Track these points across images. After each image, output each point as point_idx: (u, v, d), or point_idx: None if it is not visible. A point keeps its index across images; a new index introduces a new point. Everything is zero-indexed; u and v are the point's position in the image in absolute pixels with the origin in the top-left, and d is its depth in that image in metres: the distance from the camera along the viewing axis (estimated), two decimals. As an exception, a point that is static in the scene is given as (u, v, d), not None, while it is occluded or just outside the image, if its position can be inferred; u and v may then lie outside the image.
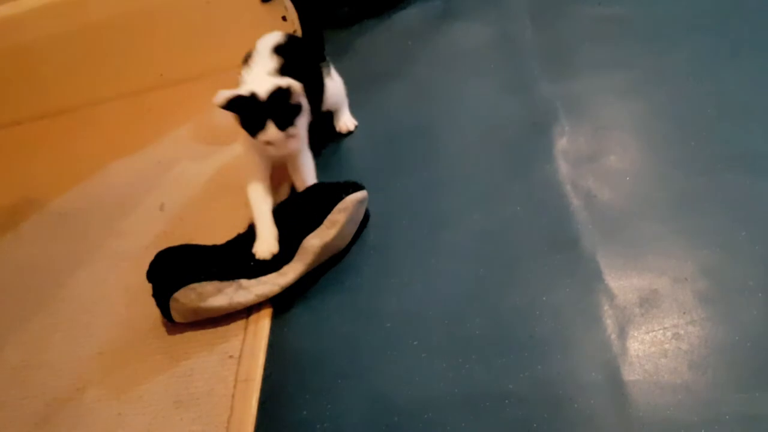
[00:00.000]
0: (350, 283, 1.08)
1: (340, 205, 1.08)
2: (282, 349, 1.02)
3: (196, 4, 1.72)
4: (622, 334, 0.88)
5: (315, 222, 1.08)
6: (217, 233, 1.14)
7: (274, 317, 1.07)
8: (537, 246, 1.03)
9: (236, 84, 1.13)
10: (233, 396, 0.97)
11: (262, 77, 1.12)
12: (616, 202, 1.06)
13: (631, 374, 0.83)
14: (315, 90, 1.24)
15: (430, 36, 1.61)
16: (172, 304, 1.06)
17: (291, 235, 1.08)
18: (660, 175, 1.08)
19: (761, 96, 1.14)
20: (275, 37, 1.22)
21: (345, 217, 1.08)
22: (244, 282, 1.06)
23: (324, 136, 1.37)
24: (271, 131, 1.06)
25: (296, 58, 1.20)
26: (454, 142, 1.28)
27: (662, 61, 1.28)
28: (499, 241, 1.06)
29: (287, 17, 1.63)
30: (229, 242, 1.12)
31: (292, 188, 1.25)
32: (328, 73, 1.32)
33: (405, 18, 1.71)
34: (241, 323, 1.07)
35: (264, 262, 1.06)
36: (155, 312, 1.10)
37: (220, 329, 1.08)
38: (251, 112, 1.06)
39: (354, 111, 1.40)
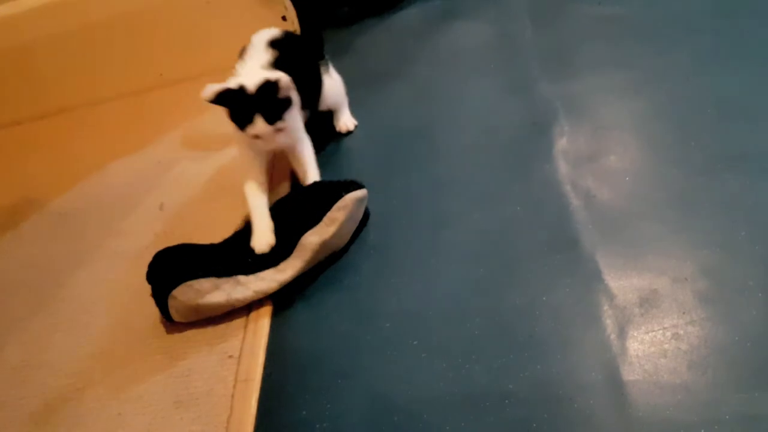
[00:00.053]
0: (350, 283, 1.08)
1: (340, 203, 1.08)
2: (282, 348, 1.02)
3: (196, 4, 1.72)
4: (622, 334, 0.88)
5: (314, 219, 1.07)
6: (217, 233, 1.14)
7: (274, 317, 1.07)
8: (537, 246, 1.03)
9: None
10: (233, 396, 0.97)
11: (254, 70, 1.11)
12: (615, 202, 1.06)
13: (630, 374, 0.83)
14: (312, 85, 1.24)
15: (430, 36, 1.61)
16: (171, 303, 1.06)
17: (290, 231, 1.07)
18: (660, 175, 1.08)
19: (761, 96, 1.14)
20: (271, 32, 1.21)
21: (344, 215, 1.08)
22: (241, 278, 1.06)
23: (324, 135, 1.37)
24: (259, 125, 1.05)
25: (291, 52, 1.19)
26: (454, 142, 1.28)
27: (662, 61, 1.28)
28: (499, 241, 1.06)
29: (287, 17, 1.63)
30: (226, 240, 1.12)
31: (292, 186, 1.25)
32: (327, 71, 1.32)
33: (405, 18, 1.71)
34: (240, 323, 1.07)
35: (262, 257, 1.06)
36: (155, 312, 1.10)
37: (220, 329, 1.08)
38: (239, 106, 1.05)
39: (354, 110, 1.40)
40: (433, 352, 0.93)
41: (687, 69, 1.24)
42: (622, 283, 0.94)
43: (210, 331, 1.08)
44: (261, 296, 1.07)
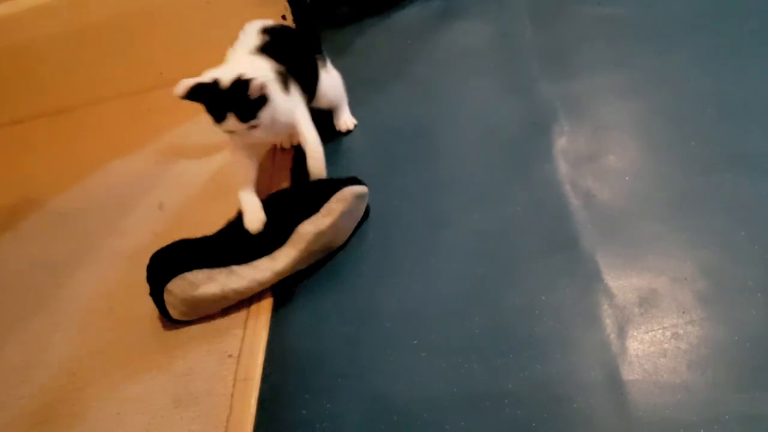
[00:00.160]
0: (350, 283, 1.08)
1: (338, 195, 1.08)
2: (281, 348, 1.02)
3: (196, 4, 1.72)
4: (622, 333, 0.88)
5: (312, 209, 1.07)
6: (217, 233, 1.14)
7: (274, 316, 1.07)
8: (536, 246, 1.03)
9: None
10: (232, 395, 0.97)
11: (242, 58, 1.11)
12: (615, 202, 1.06)
13: (630, 374, 0.83)
14: (306, 74, 1.23)
15: (429, 35, 1.60)
16: (167, 298, 1.06)
17: (286, 220, 1.07)
18: (660, 175, 1.08)
19: (761, 96, 1.14)
20: (266, 21, 1.21)
21: (342, 207, 1.08)
22: (235, 268, 1.05)
23: (324, 134, 1.36)
24: (231, 122, 1.04)
25: (283, 39, 1.19)
26: (454, 142, 1.28)
27: (662, 61, 1.28)
28: (499, 241, 1.06)
29: (287, 16, 1.63)
30: (220, 230, 1.11)
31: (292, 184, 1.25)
32: (324, 67, 1.31)
33: (405, 17, 1.71)
34: (240, 322, 1.07)
35: (256, 245, 1.06)
36: (154, 311, 1.10)
37: (219, 328, 1.08)
38: (212, 102, 1.04)
39: (353, 110, 1.40)
40: (433, 352, 0.93)
41: (687, 69, 1.24)
42: (622, 283, 0.94)
43: (209, 330, 1.08)
44: (256, 287, 1.07)
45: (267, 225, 1.08)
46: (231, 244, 1.07)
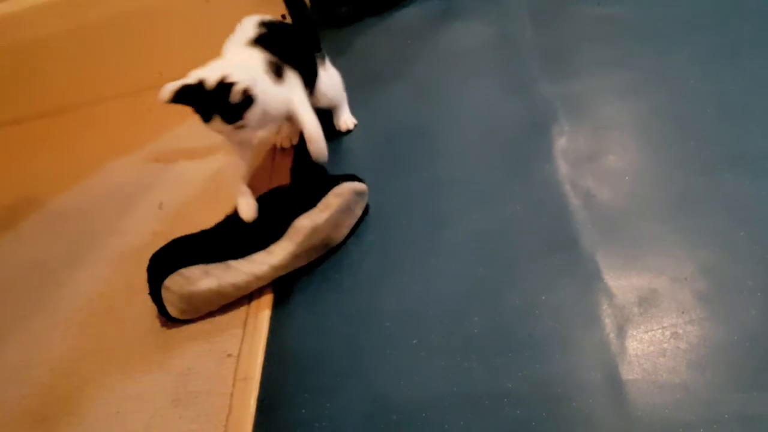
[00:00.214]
0: (350, 282, 1.08)
1: (336, 190, 1.09)
2: (281, 348, 1.02)
3: (196, 4, 1.72)
4: (621, 333, 0.88)
5: (309, 203, 1.07)
6: (217, 232, 1.14)
7: (273, 316, 1.07)
8: (536, 246, 1.03)
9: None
10: (232, 395, 0.97)
11: (236, 50, 1.11)
12: (615, 202, 1.06)
13: (629, 373, 0.83)
14: (302, 65, 1.22)
15: (429, 35, 1.60)
16: (165, 296, 1.06)
17: (283, 213, 1.07)
18: (660, 175, 1.08)
19: (761, 96, 1.14)
20: (264, 16, 1.21)
21: (339, 203, 1.08)
22: (231, 262, 1.05)
23: (324, 134, 1.36)
24: (217, 124, 1.04)
25: (279, 32, 1.18)
26: (454, 142, 1.28)
27: (662, 61, 1.28)
28: (499, 241, 1.06)
29: (287, 16, 1.63)
30: (216, 225, 1.12)
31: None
32: (323, 65, 1.31)
33: (404, 17, 1.71)
34: (239, 322, 1.07)
35: (252, 240, 1.06)
36: (154, 311, 1.10)
37: (219, 328, 1.08)
38: (198, 103, 1.03)
39: (353, 110, 1.40)
40: (433, 352, 0.93)
41: (687, 69, 1.24)
42: (622, 283, 0.94)
43: (209, 329, 1.08)
44: (254, 281, 1.06)
45: (263, 219, 1.08)
46: (227, 239, 1.07)
